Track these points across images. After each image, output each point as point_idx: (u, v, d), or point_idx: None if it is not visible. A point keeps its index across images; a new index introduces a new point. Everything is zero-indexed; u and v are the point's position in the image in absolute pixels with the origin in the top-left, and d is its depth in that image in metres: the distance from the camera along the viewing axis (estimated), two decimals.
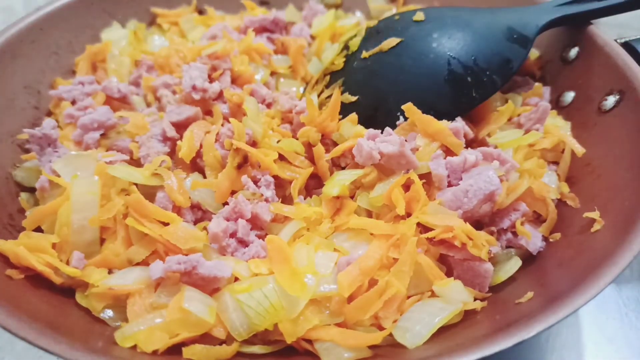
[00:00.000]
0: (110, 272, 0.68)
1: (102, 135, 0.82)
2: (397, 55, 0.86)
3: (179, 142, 0.79)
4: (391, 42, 0.87)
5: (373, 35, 0.93)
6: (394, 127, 0.80)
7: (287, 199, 0.78)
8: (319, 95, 0.91)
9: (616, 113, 0.78)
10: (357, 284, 0.64)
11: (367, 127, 0.80)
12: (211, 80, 0.90)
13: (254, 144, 0.80)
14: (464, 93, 0.81)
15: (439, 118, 0.77)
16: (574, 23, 0.88)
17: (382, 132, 0.78)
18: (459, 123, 0.78)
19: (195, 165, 0.80)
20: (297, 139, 0.81)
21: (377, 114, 0.83)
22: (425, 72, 0.83)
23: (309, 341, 0.63)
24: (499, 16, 0.86)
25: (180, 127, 0.82)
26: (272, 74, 1.01)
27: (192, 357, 0.60)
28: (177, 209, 0.73)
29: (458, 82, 0.81)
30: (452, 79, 0.81)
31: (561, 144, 0.82)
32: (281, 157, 0.79)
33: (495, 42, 0.83)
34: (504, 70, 0.82)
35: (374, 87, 0.84)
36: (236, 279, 0.67)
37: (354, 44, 0.93)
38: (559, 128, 0.83)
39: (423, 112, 0.77)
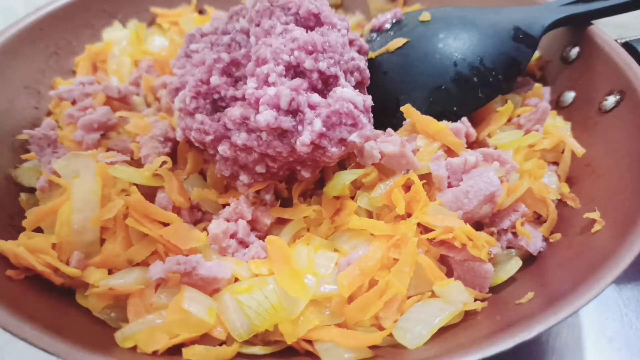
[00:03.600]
0: (110, 272, 0.68)
1: (102, 135, 0.82)
2: (403, 55, 0.86)
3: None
4: (397, 42, 0.88)
5: (379, 35, 0.93)
6: (400, 127, 0.80)
7: (287, 200, 0.78)
8: None
9: (616, 113, 0.78)
10: (358, 284, 0.64)
11: (375, 127, 0.80)
12: None
13: None
14: (470, 93, 0.81)
15: (444, 118, 0.77)
16: (579, 22, 0.88)
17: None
18: (460, 124, 0.78)
19: None
20: None
21: (384, 114, 0.83)
22: (431, 72, 0.83)
23: (310, 342, 0.63)
24: (504, 16, 0.87)
25: None
26: None
27: (192, 358, 0.60)
28: (177, 210, 0.73)
29: (464, 82, 0.81)
30: (458, 79, 0.81)
31: (561, 144, 0.82)
32: None
33: (501, 42, 0.83)
34: (510, 70, 0.82)
35: (381, 87, 0.84)
36: (236, 280, 0.67)
37: None
38: (559, 128, 0.83)
39: (429, 113, 0.78)
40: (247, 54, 0.73)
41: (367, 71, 0.76)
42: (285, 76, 0.67)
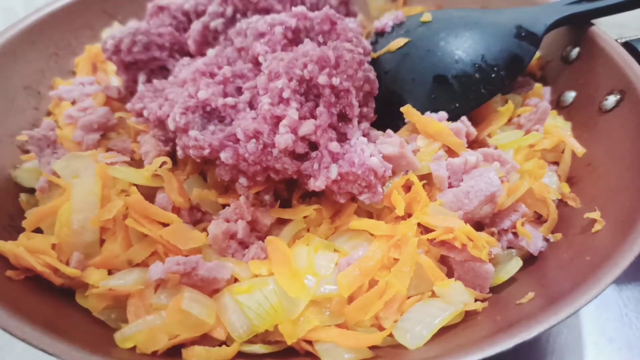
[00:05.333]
0: (110, 273, 0.68)
1: (102, 136, 0.82)
2: (404, 54, 0.87)
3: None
4: (399, 42, 0.88)
5: (381, 37, 0.94)
6: (404, 124, 0.80)
7: (286, 200, 0.78)
8: None
9: (617, 113, 0.78)
10: (357, 284, 0.64)
11: (377, 126, 0.80)
12: None
13: None
14: (473, 89, 0.81)
15: (447, 114, 0.78)
16: (582, 21, 0.88)
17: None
18: (460, 124, 0.78)
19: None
20: None
21: (387, 113, 0.83)
22: (433, 69, 0.83)
23: (310, 342, 0.63)
24: (507, 16, 0.87)
25: None
26: None
27: (192, 359, 0.60)
28: (177, 210, 0.73)
29: (466, 79, 0.82)
30: (460, 75, 0.82)
31: (561, 144, 0.82)
32: None
33: (503, 39, 0.83)
34: (512, 67, 0.83)
35: (383, 87, 0.83)
36: (236, 280, 0.67)
37: None
38: (559, 128, 0.83)
39: (432, 110, 0.78)
40: (253, 60, 0.74)
41: (377, 81, 0.77)
42: (297, 92, 0.68)
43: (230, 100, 0.71)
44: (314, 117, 0.69)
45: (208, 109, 0.71)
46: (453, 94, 0.82)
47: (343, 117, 0.73)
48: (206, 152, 0.70)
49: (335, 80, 0.68)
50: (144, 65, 0.85)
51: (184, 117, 0.70)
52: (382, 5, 1.17)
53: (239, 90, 0.74)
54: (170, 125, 0.72)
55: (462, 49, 0.83)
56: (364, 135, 0.76)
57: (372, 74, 0.76)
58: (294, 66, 0.68)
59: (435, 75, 0.83)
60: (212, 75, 0.75)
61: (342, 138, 0.72)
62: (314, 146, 0.69)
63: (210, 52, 0.78)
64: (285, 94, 0.67)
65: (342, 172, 0.67)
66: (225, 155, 0.69)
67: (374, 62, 0.88)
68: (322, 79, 0.68)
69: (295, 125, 0.66)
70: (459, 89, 0.82)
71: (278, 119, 0.66)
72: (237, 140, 0.69)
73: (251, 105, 0.73)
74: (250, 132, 0.67)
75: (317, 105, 0.70)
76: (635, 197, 0.67)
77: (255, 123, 0.67)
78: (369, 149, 0.69)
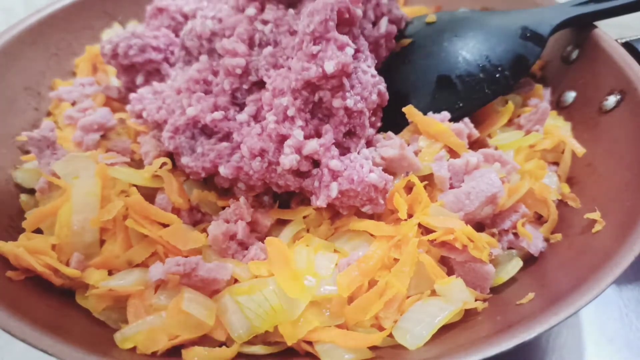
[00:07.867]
0: (110, 273, 0.68)
1: (102, 136, 0.83)
2: (408, 54, 0.87)
3: None
4: (403, 42, 0.88)
5: None
6: (407, 124, 0.80)
7: (286, 201, 0.78)
8: None
9: (617, 113, 0.78)
10: (357, 284, 0.64)
11: (382, 127, 0.80)
12: None
13: None
14: (476, 90, 0.81)
15: (450, 113, 0.78)
16: (588, 22, 0.88)
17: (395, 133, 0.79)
18: (462, 124, 0.78)
19: None
20: None
21: (390, 113, 0.83)
22: (436, 69, 0.83)
23: (310, 343, 0.63)
24: (512, 17, 0.87)
25: None
26: None
27: None
28: (177, 211, 0.73)
29: (471, 79, 0.82)
30: (464, 75, 0.82)
31: (561, 144, 0.82)
32: None
33: (508, 39, 0.83)
34: (517, 67, 0.83)
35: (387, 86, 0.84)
36: (236, 281, 0.67)
37: None
38: (559, 128, 0.83)
39: (435, 111, 0.78)
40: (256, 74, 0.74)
41: (387, 94, 0.77)
42: (303, 111, 0.68)
43: (217, 114, 0.71)
44: (319, 134, 0.69)
45: (199, 125, 0.72)
46: (457, 94, 0.82)
47: (351, 134, 0.73)
48: (202, 175, 0.71)
49: (350, 102, 0.68)
50: (142, 67, 0.85)
51: (172, 141, 0.71)
52: None
53: (236, 103, 0.74)
54: (164, 145, 0.73)
55: (466, 49, 0.83)
56: (366, 141, 0.76)
57: (383, 86, 0.76)
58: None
59: (438, 76, 0.83)
60: (206, 82, 0.75)
61: (345, 152, 0.72)
62: (316, 162, 0.69)
63: (203, 57, 0.78)
64: (290, 112, 0.67)
65: (342, 189, 0.66)
66: (225, 172, 0.69)
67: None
68: (336, 102, 0.67)
69: (300, 145, 0.66)
70: (463, 89, 0.82)
71: (283, 138, 0.66)
72: (235, 153, 0.69)
73: (255, 117, 0.73)
74: (256, 151, 0.67)
75: (322, 122, 0.70)
76: (635, 197, 0.67)
77: (261, 141, 0.67)
78: (368, 164, 0.69)
